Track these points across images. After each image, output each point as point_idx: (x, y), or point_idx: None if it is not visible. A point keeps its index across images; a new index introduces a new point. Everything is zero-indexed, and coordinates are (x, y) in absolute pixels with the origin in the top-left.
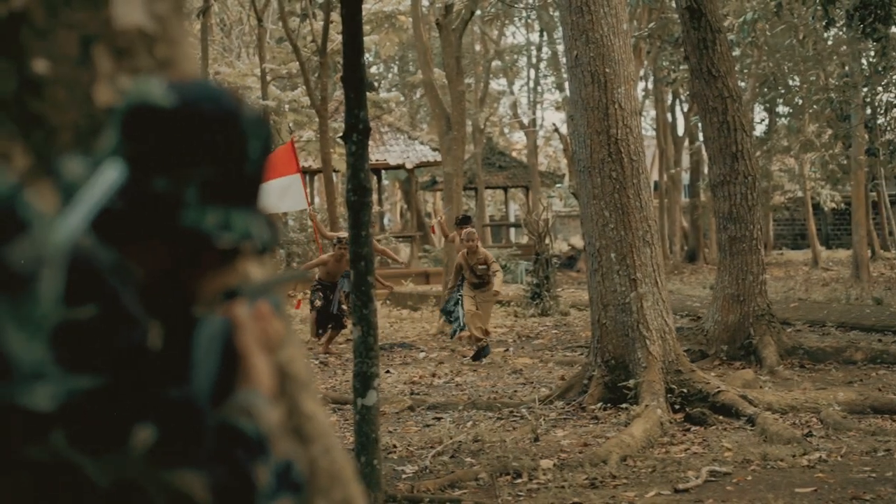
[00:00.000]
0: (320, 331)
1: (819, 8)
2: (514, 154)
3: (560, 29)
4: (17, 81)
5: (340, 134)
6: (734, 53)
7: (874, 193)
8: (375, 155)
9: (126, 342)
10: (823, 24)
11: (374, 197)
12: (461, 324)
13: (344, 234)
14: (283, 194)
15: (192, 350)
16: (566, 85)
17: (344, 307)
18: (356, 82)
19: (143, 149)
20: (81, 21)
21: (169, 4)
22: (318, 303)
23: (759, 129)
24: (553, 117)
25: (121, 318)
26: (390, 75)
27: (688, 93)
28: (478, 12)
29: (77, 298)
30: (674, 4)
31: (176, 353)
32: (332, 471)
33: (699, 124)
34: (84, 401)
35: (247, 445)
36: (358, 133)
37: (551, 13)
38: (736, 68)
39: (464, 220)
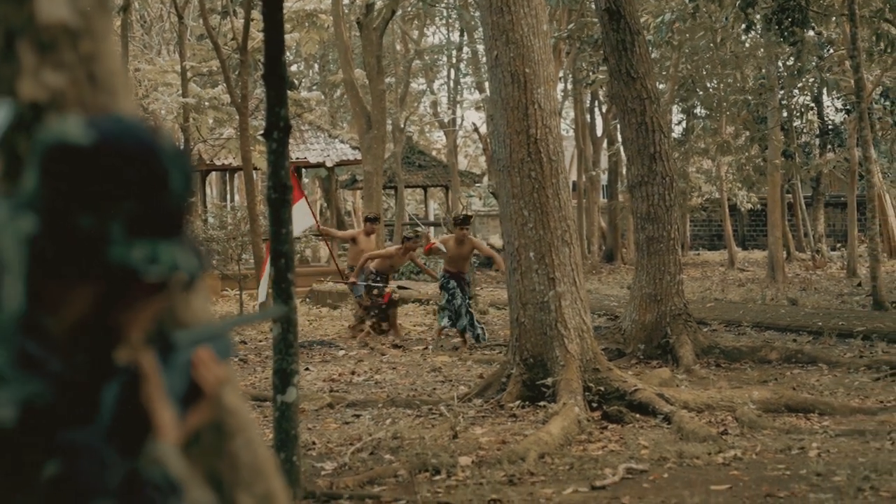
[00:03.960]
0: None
1: (737, 11)
2: (433, 153)
3: (480, 29)
4: None
5: (261, 132)
6: (653, 55)
7: (790, 195)
8: (296, 153)
9: (30, 386)
10: (742, 27)
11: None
12: (466, 323)
13: (419, 229)
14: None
15: (103, 395)
16: (486, 85)
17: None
18: (277, 80)
19: (64, 187)
20: (5, 15)
21: (93, 0)
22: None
23: (677, 131)
24: (472, 117)
25: (26, 364)
26: (311, 74)
27: (606, 94)
28: (399, 12)
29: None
30: (593, 6)
31: (92, 394)
32: (254, 465)
33: (618, 125)
34: None
35: (157, 491)
36: (279, 131)
37: (472, 13)
38: (654, 70)
39: (464, 221)
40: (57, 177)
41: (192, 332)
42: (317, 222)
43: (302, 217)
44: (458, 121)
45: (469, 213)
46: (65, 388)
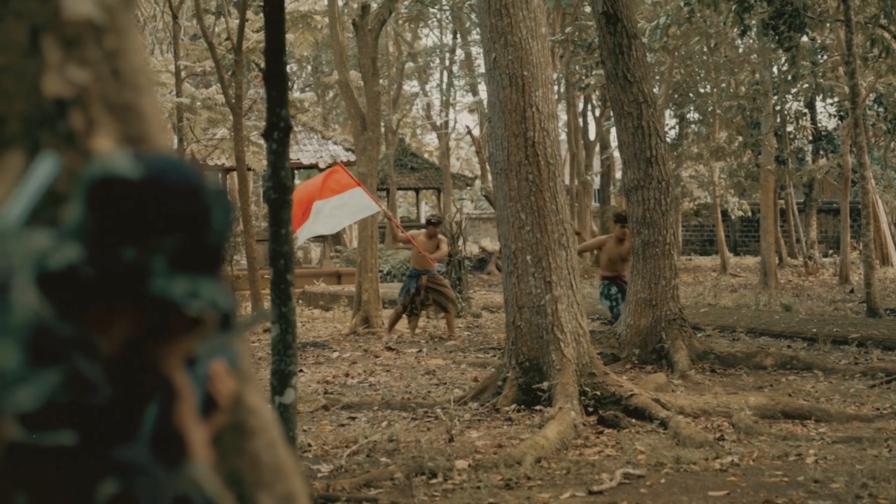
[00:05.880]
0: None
1: (733, 16)
2: (426, 156)
3: (474, 32)
4: None
5: (254, 132)
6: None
7: (782, 201)
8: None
9: (84, 404)
10: (738, 31)
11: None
12: None
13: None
14: (348, 206)
15: (143, 419)
16: (479, 87)
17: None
18: (278, 80)
19: (109, 220)
20: (31, 10)
21: None
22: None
23: (671, 136)
24: (466, 119)
25: (79, 382)
26: (304, 75)
27: (600, 98)
28: (393, 13)
29: (40, 364)
30: (588, 10)
31: (133, 418)
32: (275, 465)
33: (612, 129)
34: (48, 460)
35: None
36: (279, 131)
37: (468, 14)
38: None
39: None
40: (103, 209)
41: (208, 344)
42: (385, 211)
43: (359, 204)
44: (452, 123)
45: (623, 213)
46: (111, 409)
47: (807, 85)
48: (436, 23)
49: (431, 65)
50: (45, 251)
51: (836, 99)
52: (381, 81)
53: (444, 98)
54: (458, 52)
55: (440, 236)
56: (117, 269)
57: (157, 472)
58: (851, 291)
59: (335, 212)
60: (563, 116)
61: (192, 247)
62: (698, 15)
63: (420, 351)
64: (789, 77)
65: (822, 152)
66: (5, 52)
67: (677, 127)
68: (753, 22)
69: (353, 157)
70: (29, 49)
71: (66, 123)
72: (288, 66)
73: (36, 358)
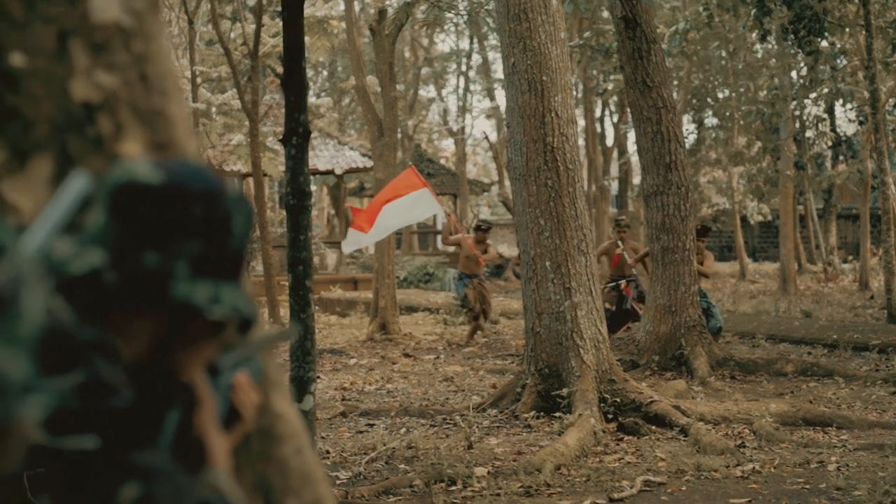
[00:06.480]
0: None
1: (753, 20)
2: (442, 161)
3: (491, 37)
4: None
5: (270, 138)
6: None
7: (801, 207)
8: None
9: (105, 408)
10: (758, 36)
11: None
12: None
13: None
14: (414, 206)
15: (164, 424)
16: (496, 92)
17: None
18: (297, 86)
19: (132, 225)
20: (58, 15)
21: (145, 0)
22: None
23: (689, 141)
24: (482, 125)
25: (99, 387)
26: (319, 80)
27: (618, 103)
28: (411, 17)
29: (60, 368)
30: (608, 14)
31: (155, 423)
32: (303, 471)
33: (628, 134)
34: (69, 462)
35: None
36: (298, 137)
37: (486, 19)
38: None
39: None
40: (125, 214)
41: (232, 354)
42: (450, 213)
43: (425, 203)
44: (468, 129)
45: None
46: (132, 413)
47: (826, 90)
48: (452, 27)
49: (448, 70)
50: (68, 256)
51: (855, 104)
52: (397, 87)
53: (461, 103)
54: (475, 56)
55: (488, 241)
56: (139, 274)
57: (177, 477)
58: (871, 298)
59: (400, 210)
60: (581, 121)
61: (213, 252)
62: (717, 19)
63: (437, 357)
64: (808, 82)
65: (841, 158)
66: (33, 56)
67: (696, 132)
68: (773, 26)
69: (369, 163)
70: (57, 53)
71: (94, 128)
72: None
73: (55, 362)
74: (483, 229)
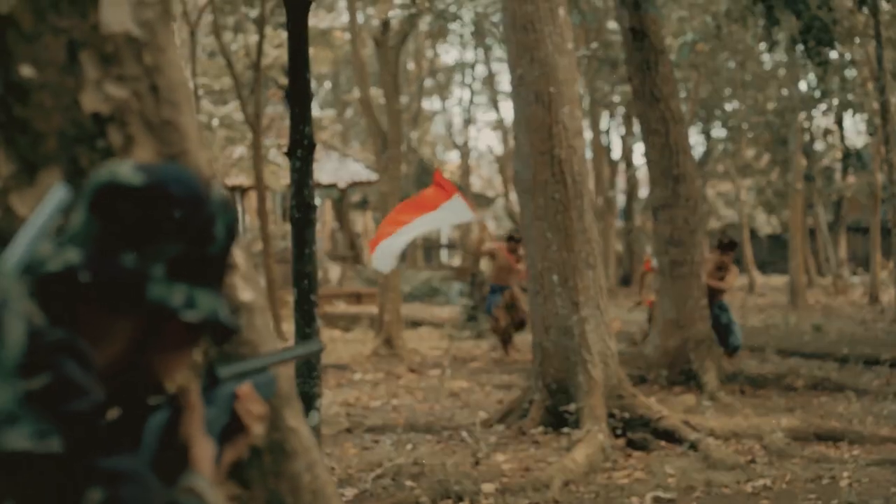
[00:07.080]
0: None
1: (761, 30)
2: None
3: (496, 48)
4: (3, 86)
5: (272, 150)
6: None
7: (811, 219)
8: None
9: (74, 410)
10: (767, 46)
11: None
12: None
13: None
14: (447, 212)
15: (145, 427)
16: (500, 105)
17: None
18: (302, 97)
19: (111, 226)
20: (69, 26)
21: (156, 11)
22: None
23: (697, 153)
24: (487, 137)
25: (69, 388)
26: (322, 93)
27: (625, 115)
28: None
29: (30, 370)
30: (615, 25)
31: (132, 426)
32: (314, 487)
33: (634, 146)
34: (36, 466)
35: None
36: (303, 149)
37: (491, 30)
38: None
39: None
40: (104, 215)
41: (236, 366)
42: (480, 219)
43: (458, 209)
44: (473, 142)
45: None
46: (101, 415)
47: (836, 101)
48: (457, 39)
49: (452, 82)
50: (45, 255)
51: (865, 115)
52: (401, 98)
53: (465, 115)
54: (480, 68)
55: (521, 252)
56: (116, 274)
57: (147, 480)
58: (882, 311)
59: (430, 220)
60: (588, 133)
61: (193, 256)
62: (725, 30)
63: (443, 373)
64: (816, 94)
65: (851, 170)
66: (43, 68)
67: (704, 144)
68: (781, 36)
69: (373, 176)
70: (67, 65)
71: (104, 141)
72: None
73: (22, 364)
74: (515, 240)
